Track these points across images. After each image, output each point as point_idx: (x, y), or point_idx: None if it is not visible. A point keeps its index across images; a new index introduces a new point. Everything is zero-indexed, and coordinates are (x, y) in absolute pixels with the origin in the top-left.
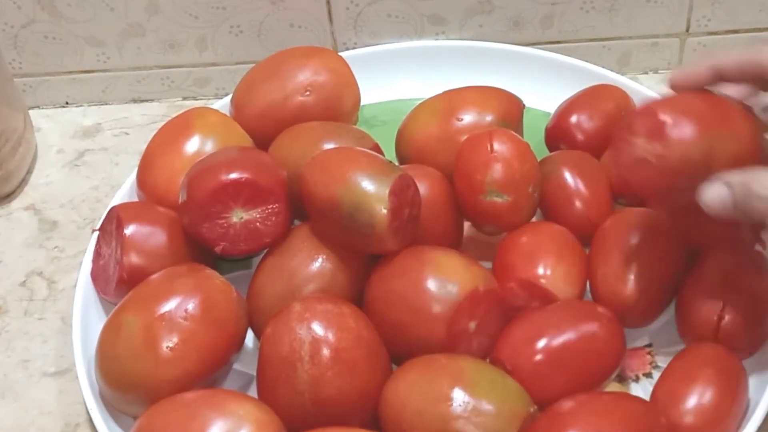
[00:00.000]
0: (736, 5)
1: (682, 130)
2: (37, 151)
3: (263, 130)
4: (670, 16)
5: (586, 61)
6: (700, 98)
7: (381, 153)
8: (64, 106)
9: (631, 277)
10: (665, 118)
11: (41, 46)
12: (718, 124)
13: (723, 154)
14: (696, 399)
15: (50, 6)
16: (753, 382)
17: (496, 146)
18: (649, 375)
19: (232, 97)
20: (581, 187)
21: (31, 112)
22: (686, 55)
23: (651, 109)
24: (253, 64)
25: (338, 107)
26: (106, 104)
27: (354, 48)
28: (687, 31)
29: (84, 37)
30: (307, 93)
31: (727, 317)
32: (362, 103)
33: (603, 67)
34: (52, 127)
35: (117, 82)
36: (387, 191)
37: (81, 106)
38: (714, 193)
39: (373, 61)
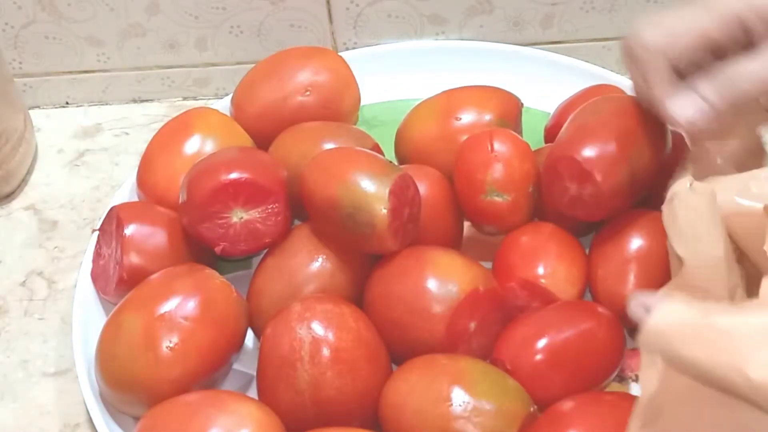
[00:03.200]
0: None
1: (606, 171)
2: (37, 151)
3: (263, 130)
4: None
5: (586, 61)
6: (612, 116)
7: (381, 153)
8: (64, 106)
9: (631, 277)
10: (588, 167)
11: (41, 46)
12: (633, 141)
13: (641, 165)
14: None
15: (50, 6)
16: None
17: (497, 146)
18: None
19: (233, 97)
20: None
21: (31, 112)
22: None
23: (572, 158)
24: (253, 64)
25: (338, 107)
26: (107, 104)
27: (354, 48)
28: None
29: (84, 37)
30: (307, 93)
31: None
32: (362, 103)
33: (603, 67)
34: (52, 127)
35: (117, 82)
36: (387, 191)
37: (81, 106)
38: (689, 107)
39: (373, 61)
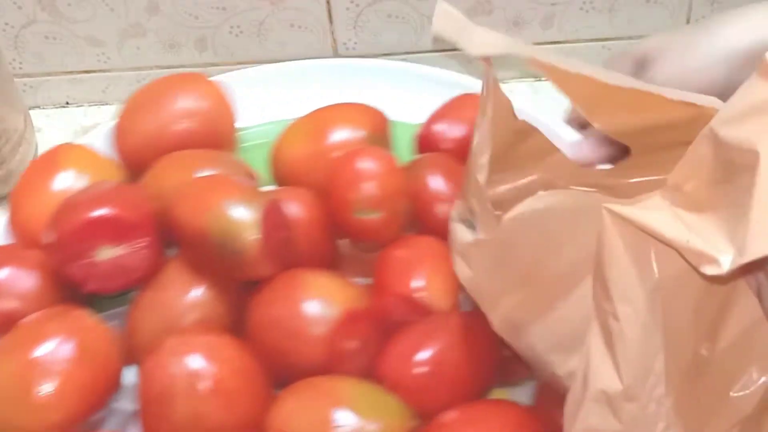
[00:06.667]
0: (736, 6)
1: None
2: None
3: (144, 159)
4: (669, 16)
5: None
6: None
7: (255, 178)
8: (64, 106)
9: None
10: None
11: (42, 46)
12: None
13: None
14: None
15: (51, 6)
16: None
17: (364, 164)
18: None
19: (116, 125)
20: (444, 188)
21: (31, 112)
22: None
23: None
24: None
25: (215, 133)
26: (107, 104)
27: (354, 48)
28: None
29: (84, 37)
30: (184, 121)
31: None
32: (241, 126)
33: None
34: (52, 127)
35: (117, 82)
36: (256, 217)
37: (81, 106)
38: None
39: (249, 84)
